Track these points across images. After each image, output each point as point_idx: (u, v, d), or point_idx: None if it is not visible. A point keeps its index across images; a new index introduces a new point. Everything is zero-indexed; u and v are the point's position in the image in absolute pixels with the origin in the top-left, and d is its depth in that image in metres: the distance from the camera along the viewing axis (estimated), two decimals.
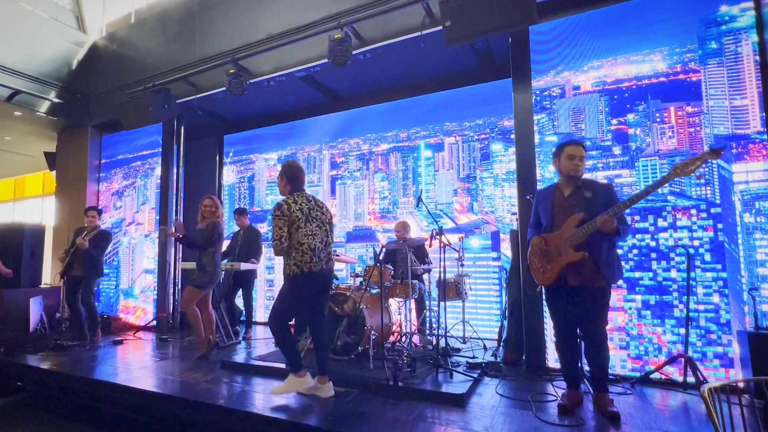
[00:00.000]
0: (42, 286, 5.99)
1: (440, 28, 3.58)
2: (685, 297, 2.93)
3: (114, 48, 6.44)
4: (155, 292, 5.75)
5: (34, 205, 10.43)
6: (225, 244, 4.59)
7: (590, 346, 2.53)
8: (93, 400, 3.33)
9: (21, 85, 5.78)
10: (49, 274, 6.60)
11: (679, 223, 3.09)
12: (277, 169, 6.17)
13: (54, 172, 7.17)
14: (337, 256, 4.30)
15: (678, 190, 3.10)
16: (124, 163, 6.47)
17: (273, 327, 2.78)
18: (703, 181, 3.00)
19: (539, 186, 3.47)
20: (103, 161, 6.74)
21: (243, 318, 5.11)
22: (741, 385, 2.65)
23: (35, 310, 5.16)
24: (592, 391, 2.65)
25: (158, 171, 5.96)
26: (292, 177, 2.93)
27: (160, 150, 5.97)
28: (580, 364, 2.75)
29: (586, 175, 3.37)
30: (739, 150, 2.95)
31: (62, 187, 6.90)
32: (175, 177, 5.82)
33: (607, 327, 2.57)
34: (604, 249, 2.47)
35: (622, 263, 3.21)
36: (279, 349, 2.90)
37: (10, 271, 5.15)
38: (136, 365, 3.80)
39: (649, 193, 2.34)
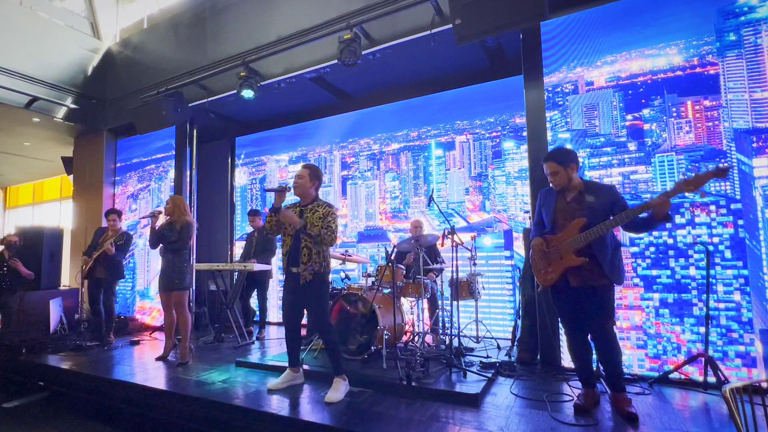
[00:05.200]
0: (61, 287, 6.13)
1: (450, 26, 3.57)
2: (705, 295, 2.86)
3: (128, 53, 6.56)
4: None
5: (52, 208, 10.68)
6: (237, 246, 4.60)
7: (599, 345, 2.51)
8: (112, 399, 3.39)
9: (39, 92, 5.92)
10: (68, 276, 6.75)
11: (697, 220, 3.02)
12: (288, 170, 6.21)
13: (71, 176, 7.33)
14: (349, 256, 4.32)
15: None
16: (139, 167, 6.58)
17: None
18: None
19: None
20: (118, 165, 6.87)
21: (257, 318, 5.15)
22: (764, 385, 2.58)
23: (55, 311, 5.28)
24: (608, 391, 2.61)
25: (172, 174, 6.05)
26: (320, 179, 3.08)
27: (174, 153, 6.05)
28: (596, 364, 2.72)
29: (599, 172, 3.36)
30: (760, 144, 2.87)
31: (79, 191, 7.05)
32: (188, 179, 5.90)
33: (618, 324, 2.55)
34: (609, 251, 2.44)
35: (638, 261, 3.19)
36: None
37: (31, 273, 5.28)
38: (152, 365, 3.86)
39: (669, 198, 2.25)
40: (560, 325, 3.29)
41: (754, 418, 1.28)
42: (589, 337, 2.59)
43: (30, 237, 5.84)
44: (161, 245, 4.00)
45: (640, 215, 2.34)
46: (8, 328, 5.05)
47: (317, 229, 2.85)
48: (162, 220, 4.14)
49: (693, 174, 2.20)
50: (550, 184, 2.62)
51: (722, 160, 2.97)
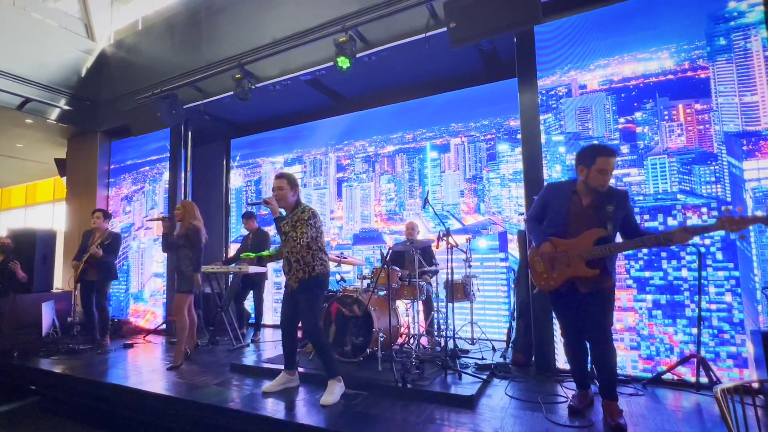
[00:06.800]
0: (54, 290, 6.07)
1: (445, 29, 3.58)
2: (697, 296, 2.89)
3: (122, 55, 6.53)
4: (164, 295, 5.79)
5: (45, 210, 10.59)
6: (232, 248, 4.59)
7: (597, 349, 2.42)
8: (105, 403, 3.36)
9: (32, 93, 5.88)
10: (61, 279, 6.69)
11: (689, 222, 3.05)
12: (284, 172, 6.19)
13: (64, 178, 7.27)
14: (344, 258, 4.32)
15: (688, 188, 3.07)
16: (133, 169, 6.54)
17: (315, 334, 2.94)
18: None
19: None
20: (112, 167, 6.82)
21: (252, 321, 5.13)
22: (755, 385, 2.61)
23: (47, 314, 5.23)
24: (601, 398, 2.58)
25: (166, 176, 6.02)
26: (297, 185, 3.04)
27: (168, 155, 6.02)
28: (590, 365, 2.72)
29: None
30: (750, 147, 2.92)
31: (72, 193, 7.00)
32: (183, 181, 5.88)
33: (617, 327, 2.52)
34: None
35: (631, 263, 3.22)
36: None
37: (25, 275, 5.24)
38: (146, 368, 3.83)
39: (691, 235, 2.19)
40: (556, 326, 3.31)
41: (745, 418, 1.30)
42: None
43: (22, 239, 5.78)
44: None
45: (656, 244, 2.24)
46: (0, 332, 5.00)
47: (287, 227, 2.89)
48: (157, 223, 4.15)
49: (739, 213, 2.09)
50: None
51: (713, 163, 3.01)
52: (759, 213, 2.09)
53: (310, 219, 2.88)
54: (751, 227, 2.13)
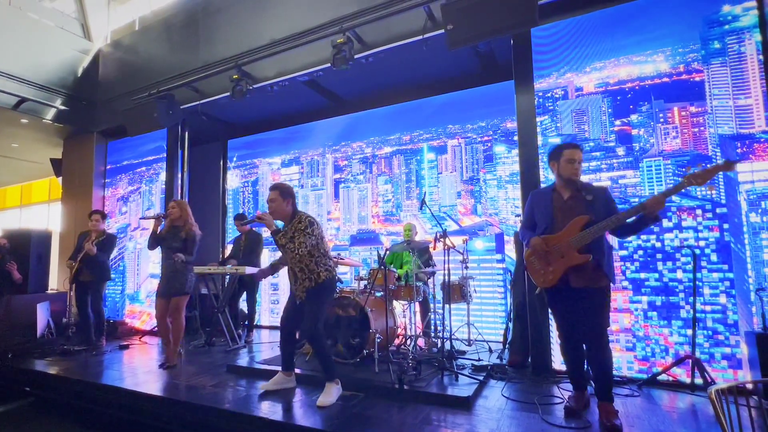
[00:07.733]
0: (49, 291, 6.04)
1: (442, 31, 3.60)
2: (692, 298, 2.91)
3: (119, 55, 6.51)
4: None
5: (40, 211, 10.53)
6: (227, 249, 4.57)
7: (593, 349, 2.44)
8: (100, 404, 3.34)
9: (27, 93, 5.85)
10: (56, 280, 6.65)
11: (684, 224, 3.07)
12: (281, 173, 6.19)
13: (60, 179, 7.24)
14: (342, 259, 4.32)
15: (683, 190, 3.08)
16: (129, 169, 6.52)
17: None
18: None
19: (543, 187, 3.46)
20: (108, 167, 6.80)
21: (246, 323, 5.12)
22: (749, 386, 2.63)
23: (42, 315, 5.20)
24: (597, 399, 2.59)
25: (163, 176, 6.00)
26: (292, 195, 2.99)
27: (165, 155, 6.01)
28: (586, 366, 2.73)
29: (589, 176, 3.40)
30: (744, 149, 2.94)
31: (68, 193, 6.97)
32: (179, 182, 5.86)
33: (613, 328, 2.53)
34: (606, 250, 2.45)
35: (627, 264, 3.23)
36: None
37: (20, 276, 5.21)
38: (142, 370, 3.82)
39: (664, 197, 2.31)
40: (552, 327, 3.32)
41: (739, 419, 1.30)
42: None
43: (17, 240, 5.75)
44: (159, 249, 3.99)
45: (635, 215, 2.36)
46: None
47: (284, 240, 2.83)
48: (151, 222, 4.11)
49: (700, 168, 2.24)
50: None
51: (708, 165, 3.03)
52: (719, 162, 2.23)
53: (306, 228, 2.83)
54: (717, 174, 2.31)
